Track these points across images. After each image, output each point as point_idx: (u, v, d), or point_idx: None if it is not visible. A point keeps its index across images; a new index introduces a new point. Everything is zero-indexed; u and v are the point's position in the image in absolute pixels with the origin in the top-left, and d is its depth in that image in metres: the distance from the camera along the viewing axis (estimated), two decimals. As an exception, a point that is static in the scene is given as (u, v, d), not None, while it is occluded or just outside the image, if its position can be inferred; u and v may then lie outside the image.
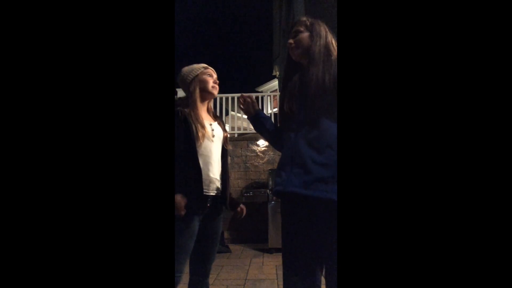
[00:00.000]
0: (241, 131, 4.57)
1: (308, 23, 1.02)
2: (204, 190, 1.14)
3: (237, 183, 4.04)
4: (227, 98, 4.65)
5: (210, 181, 1.17)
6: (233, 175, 4.06)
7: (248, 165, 4.09)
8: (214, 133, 1.23)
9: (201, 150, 1.16)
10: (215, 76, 1.28)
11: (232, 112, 5.29)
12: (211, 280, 2.31)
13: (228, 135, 1.34)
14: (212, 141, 1.21)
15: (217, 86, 1.28)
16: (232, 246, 3.54)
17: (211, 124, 1.24)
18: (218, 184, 1.21)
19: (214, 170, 1.19)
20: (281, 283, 2.21)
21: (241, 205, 1.33)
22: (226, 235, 3.80)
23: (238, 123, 5.00)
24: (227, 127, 6.27)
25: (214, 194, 1.20)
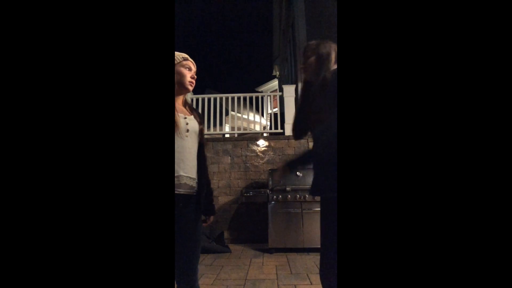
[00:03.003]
0: (241, 131, 4.56)
1: (314, 46, 1.16)
2: (176, 190, 1.05)
3: (237, 183, 4.04)
4: (227, 98, 4.63)
5: (182, 179, 1.07)
6: (233, 175, 4.06)
7: (248, 165, 4.09)
8: (189, 127, 1.11)
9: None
10: (194, 69, 1.16)
11: (232, 112, 5.28)
12: (211, 280, 2.32)
13: (203, 128, 1.20)
14: (186, 136, 1.10)
15: (194, 82, 1.15)
16: (232, 246, 3.54)
17: (185, 118, 1.12)
18: (192, 183, 1.11)
19: (187, 168, 1.09)
20: (281, 283, 2.21)
21: (212, 217, 1.25)
22: (226, 235, 3.80)
23: (238, 123, 4.98)
24: (227, 127, 6.25)
25: (185, 193, 1.09)
